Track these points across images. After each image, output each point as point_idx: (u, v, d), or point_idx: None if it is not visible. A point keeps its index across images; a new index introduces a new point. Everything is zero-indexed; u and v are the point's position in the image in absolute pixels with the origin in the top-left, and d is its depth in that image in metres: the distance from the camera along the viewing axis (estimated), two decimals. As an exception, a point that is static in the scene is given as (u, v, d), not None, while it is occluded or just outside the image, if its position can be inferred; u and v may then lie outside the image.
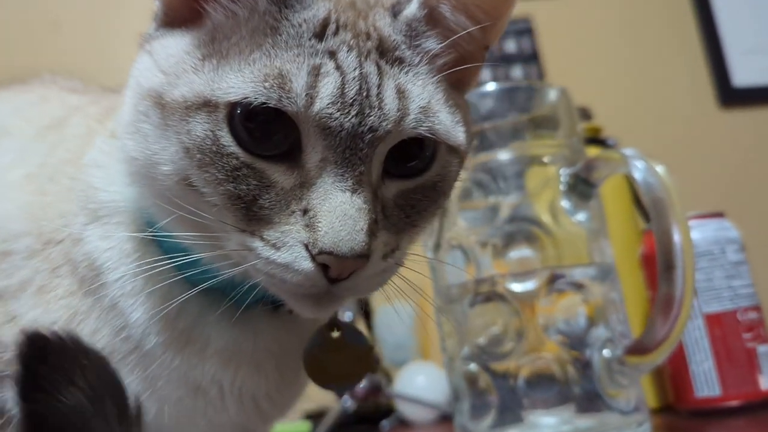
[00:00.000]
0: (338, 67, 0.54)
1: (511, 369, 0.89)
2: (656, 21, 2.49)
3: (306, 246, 0.52)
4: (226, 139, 0.53)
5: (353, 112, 0.53)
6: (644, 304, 1.12)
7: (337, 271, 0.53)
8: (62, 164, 0.64)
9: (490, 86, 0.94)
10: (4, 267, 0.59)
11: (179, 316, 0.61)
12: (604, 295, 0.91)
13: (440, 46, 0.59)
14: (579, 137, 0.94)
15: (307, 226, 0.52)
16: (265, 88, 0.52)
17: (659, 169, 0.82)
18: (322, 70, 0.53)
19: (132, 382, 0.59)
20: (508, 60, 2.40)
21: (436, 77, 0.59)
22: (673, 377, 1.07)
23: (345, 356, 0.66)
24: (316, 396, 1.60)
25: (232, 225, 0.54)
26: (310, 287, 0.54)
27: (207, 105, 0.54)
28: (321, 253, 0.52)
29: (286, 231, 0.53)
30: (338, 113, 0.53)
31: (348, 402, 1.48)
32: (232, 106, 0.53)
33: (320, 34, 0.55)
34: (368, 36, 0.56)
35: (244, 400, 0.63)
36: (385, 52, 0.57)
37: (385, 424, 1.47)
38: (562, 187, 0.90)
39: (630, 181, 1.03)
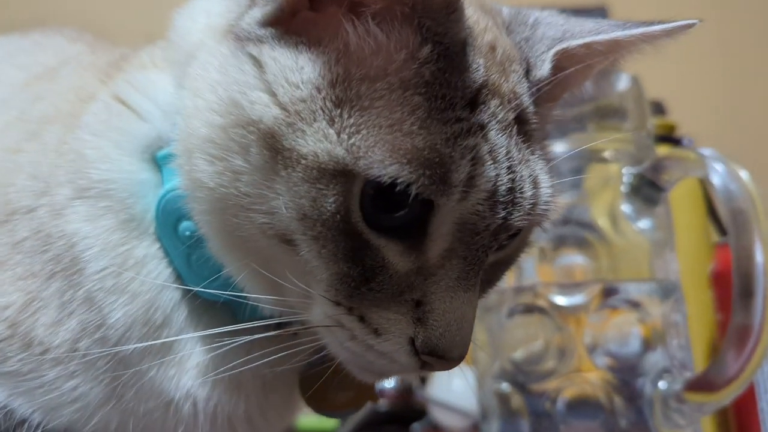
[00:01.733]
0: (492, 155, 0.47)
1: (549, 391, 0.79)
2: (743, 9, 2.29)
3: (411, 340, 0.48)
4: (356, 215, 0.46)
5: (502, 213, 0.48)
6: (711, 328, 0.99)
7: (436, 370, 0.50)
8: (46, 121, 0.55)
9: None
10: None
11: (165, 324, 0.52)
12: (664, 316, 0.79)
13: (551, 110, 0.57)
14: (649, 133, 0.82)
15: (419, 320, 0.47)
16: (424, 176, 0.45)
17: (743, 174, 0.70)
18: (477, 156, 0.46)
19: (95, 388, 0.51)
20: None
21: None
22: (737, 415, 0.94)
23: (345, 382, 0.55)
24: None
25: (328, 298, 0.48)
26: (393, 372, 0.51)
27: (345, 175, 0.45)
28: (430, 354, 0.47)
29: (393, 320, 0.48)
30: (489, 212, 0.47)
31: (377, 401, 1.40)
32: (372, 182, 0.45)
33: (473, 103, 0.47)
34: (509, 102, 0.50)
35: (218, 421, 0.54)
36: (522, 124, 0.51)
37: (416, 427, 1.39)
38: (624, 189, 0.78)
39: (706, 186, 0.90)
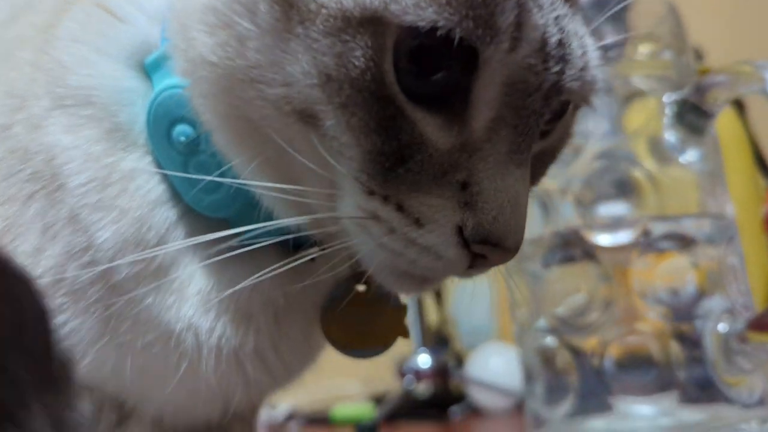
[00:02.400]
0: (537, 3, 0.42)
1: (597, 345, 0.74)
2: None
3: (459, 229, 0.41)
4: (390, 76, 0.40)
5: (555, 68, 0.42)
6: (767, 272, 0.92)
7: (492, 264, 0.44)
8: (21, 41, 0.51)
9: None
10: None
11: (161, 244, 0.47)
12: (719, 258, 0.72)
13: None
14: (688, 56, 0.76)
15: (467, 204, 0.41)
16: (467, 17, 0.39)
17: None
18: (525, 5, 0.41)
19: (86, 322, 0.46)
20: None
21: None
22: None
23: (372, 315, 0.51)
24: (380, 377, 1.48)
25: (361, 182, 0.42)
26: (442, 273, 0.44)
27: (377, 23, 0.40)
28: (482, 242, 0.41)
29: (437, 205, 0.41)
30: (541, 66, 0.42)
31: (412, 384, 1.35)
32: (407, 31, 0.40)
33: None
34: None
35: (224, 354, 0.48)
36: None
37: (454, 410, 1.33)
38: (666, 119, 0.71)
39: (751, 132, 0.83)
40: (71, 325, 0.46)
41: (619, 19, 0.77)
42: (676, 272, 0.73)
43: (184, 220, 0.48)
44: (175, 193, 0.48)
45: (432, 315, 1.58)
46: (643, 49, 0.76)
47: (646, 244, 0.71)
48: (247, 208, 0.47)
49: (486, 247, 0.41)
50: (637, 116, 0.77)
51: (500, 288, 1.02)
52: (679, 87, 0.72)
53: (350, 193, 0.42)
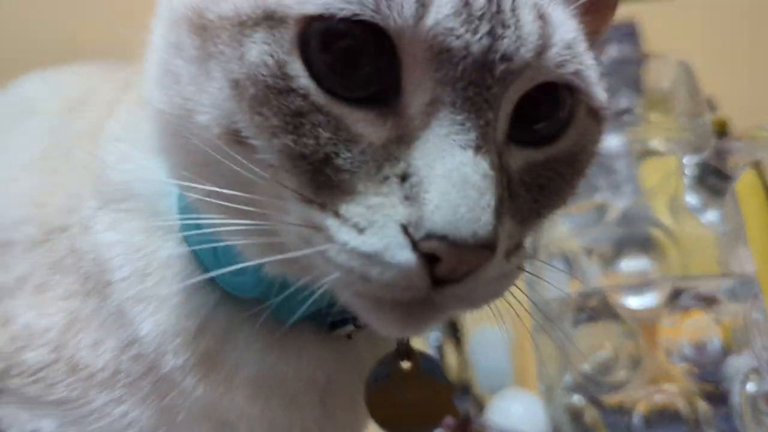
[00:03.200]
0: None
1: (625, 403, 0.74)
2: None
3: (405, 228, 0.37)
4: (295, 67, 0.39)
5: (483, 29, 0.38)
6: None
7: (450, 266, 0.37)
8: (79, 137, 0.54)
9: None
10: (2, 260, 0.50)
11: (202, 332, 0.48)
12: (745, 314, 0.73)
13: None
14: (705, 119, 0.78)
15: (408, 198, 0.37)
16: None
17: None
18: None
19: (144, 413, 0.47)
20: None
21: (574, 13, 0.44)
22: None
23: (418, 394, 0.50)
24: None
25: (292, 191, 0.40)
26: (404, 290, 0.38)
27: (270, 19, 0.39)
28: (428, 237, 0.36)
29: (376, 205, 0.38)
30: (462, 29, 0.38)
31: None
32: (307, 22, 0.38)
33: None
34: None
35: None
36: None
37: (477, 458, 1.33)
38: (687, 180, 0.73)
39: (763, 176, 0.85)
40: (132, 416, 0.47)
41: (634, 81, 0.79)
42: (701, 330, 0.74)
43: (222, 304, 0.48)
44: (212, 278, 0.48)
45: (452, 360, 1.58)
46: (659, 112, 0.78)
47: (672, 304, 0.72)
48: (276, 285, 0.46)
49: (433, 242, 0.36)
50: (653, 174, 0.79)
51: (518, 330, 1.03)
52: (696, 148, 0.74)
53: (290, 205, 0.40)
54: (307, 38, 0.38)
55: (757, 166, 0.84)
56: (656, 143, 0.77)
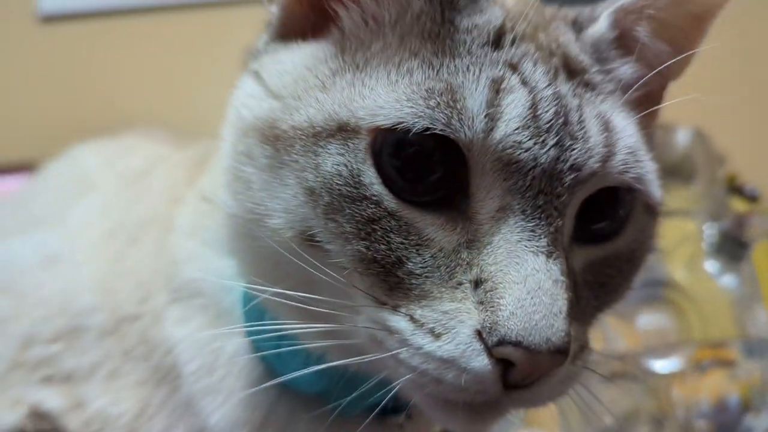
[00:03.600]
0: (525, 82, 0.41)
1: None
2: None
3: (479, 334, 0.37)
4: (369, 175, 0.40)
5: (551, 142, 0.39)
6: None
7: (524, 372, 0.38)
8: (144, 224, 0.56)
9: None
10: (76, 345, 0.51)
11: (265, 423, 0.49)
12: (761, 373, 0.76)
13: (636, 76, 0.46)
14: (721, 186, 0.81)
15: (482, 303, 0.38)
16: (429, 107, 0.39)
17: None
18: (504, 85, 0.40)
19: None
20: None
21: (633, 114, 0.45)
22: None
23: None
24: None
25: (365, 292, 0.40)
26: (476, 394, 0.39)
27: (343, 130, 0.41)
28: (503, 342, 0.37)
29: (451, 311, 0.38)
30: (530, 141, 0.39)
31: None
32: (380, 133, 0.40)
33: (496, 43, 0.42)
34: (551, 52, 0.44)
35: None
36: (573, 73, 0.44)
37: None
38: (706, 247, 0.77)
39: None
40: None
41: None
42: (720, 388, 0.77)
43: (285, 397, 0.49)
44: (274, 370, 0.50)
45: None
46: (676, 179, 0.81)
47: (694, 367, 0.75)
48: (337, 380, 0.46)
49: (508, 348, 0.36)
50: (669, 235, 0.82)
51: None
52: (714, 216, 0.78)
53: (363, 306, 0.41)
54: (379, 148, 0.40)
55: None
56: (674, 208, 0.80)
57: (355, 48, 0.44)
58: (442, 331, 0.38)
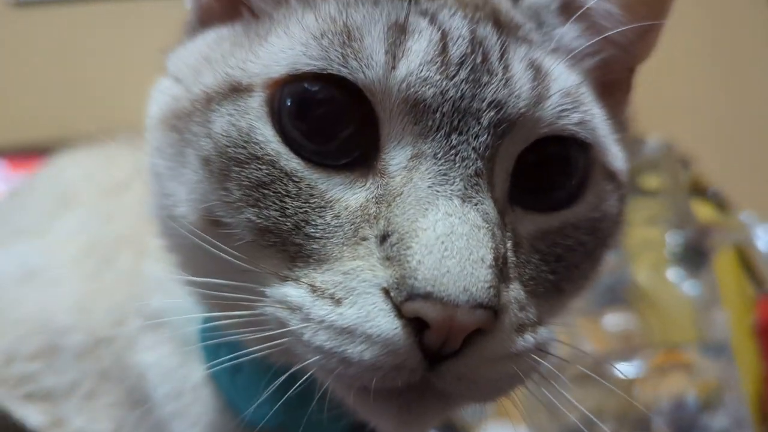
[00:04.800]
0: (435, 23, 0.38)
1: None
2: (749, 50, 2.34)
3: (387, 293, 0.33)
4: (264, 133, 0.37)
5: (462, 75, 0.36)
6: (757, 379, 1.00)
7: (440, 332, 0.32)
8: (120, 242, 0.56)
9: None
10: (54, 364, 0.52)
11: None
12: (717, 375, 0.81)
13: (584, 44, 0.42)
14: (685, 195, 0.85)
15: (388, 258, 0.33)
16: (322, 47, 0.36)
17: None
18: (411, 27, 0.37)
19: None
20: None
21: (583, 73, 0.42)
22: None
23: None
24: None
25: (267, 271, 0.36)
26: (395, 372, 0.33)
27: (236, 91, 0.38)
28: (411, 297, 0.32)
29: (353, 270, 0.34)
30: (437, 76, 0.36)
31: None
32: (277, 90, 0.37)
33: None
34: (477, 7, 0.41)
35: None
36: (502, 27, 0.40)
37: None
38: (669, 255, 0.80)
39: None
40: None
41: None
42: (678, 388, 0.81)
43: (248, 427, 0.47)
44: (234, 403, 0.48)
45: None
46: (642, 188, 0.85)
47: (655, 368, 0.79)
48: (295, 410, 0.42)
49: (417, 302, 0.31)
50: (636, 239, 0.86)
51: None
52: (677, 225, 0.82)
53: (269, 286, 0.37)
54: (279, 105, 0.37)
55: (738, 247, 0.93)
56: (640, 221, 0.84)
57: (261, 22, 0.42)
58: (343, 296, 0.34)
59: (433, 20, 0.38)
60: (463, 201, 0.34)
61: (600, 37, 0.43)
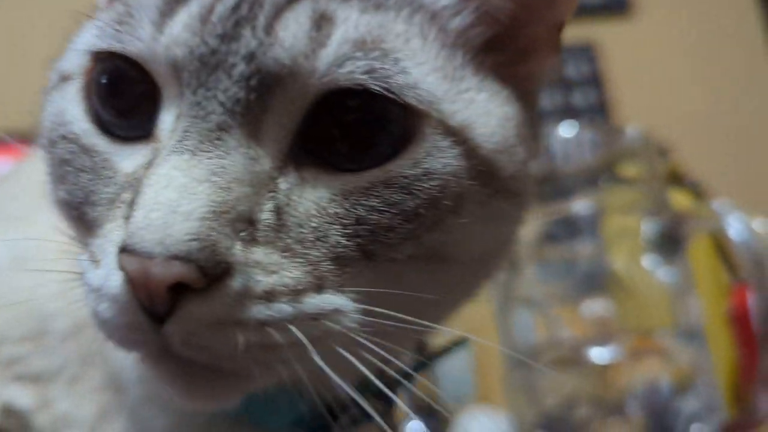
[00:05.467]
0: None
1: None
2: (728, 43, 2.37)
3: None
4: (73, 113, 0.39)
5: (215, 32, 0.35)
6: (731, 365, 1.02)
7: (139, 286, 0.32)
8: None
9: (562, 131, 0.88)
10: (43, 346, 0.53)
11: None
12: (690, 360, 0.83)
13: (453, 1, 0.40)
14: (662, 184, 0.87)
15: (126, 218, 0.34)
16: (105, 27, 0.38)
17: (759, 223, 0.74)
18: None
19: None
20: (567, 85, 2.31)
21: (440, 42, 0.39)
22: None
23: None
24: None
25: (78, 242, 0.40)
26: (130, 331, 0.34)
27: (63, 79, 0.41)
28: (121, 251, 0.32)
29: (107, 232, 0.35)
30: (191, 35, 0.35)
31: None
32: (86, 73, 0.39)
33: None
34: None
35: None
36: None
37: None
38: (644, 243, 0.82)
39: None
40: None
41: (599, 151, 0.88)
42: (653, 373, 0.83)
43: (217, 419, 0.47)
44: None
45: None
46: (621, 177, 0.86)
47: (630, 354, 0.81)
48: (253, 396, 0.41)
49: (121, 257, 0.32)
50: (614, 227, 0.87)
51: (480, 346, 1.11)
52: (654, 213, 0.83)
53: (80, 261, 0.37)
54: (89, 87, 0.39)
55: (713, 235, 0.95)
56: (617, 208, 0.85)
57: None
58: (100, 257, 0.34)
59: None
60: (194, 155, 0.33)
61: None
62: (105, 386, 0.52)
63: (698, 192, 1.08)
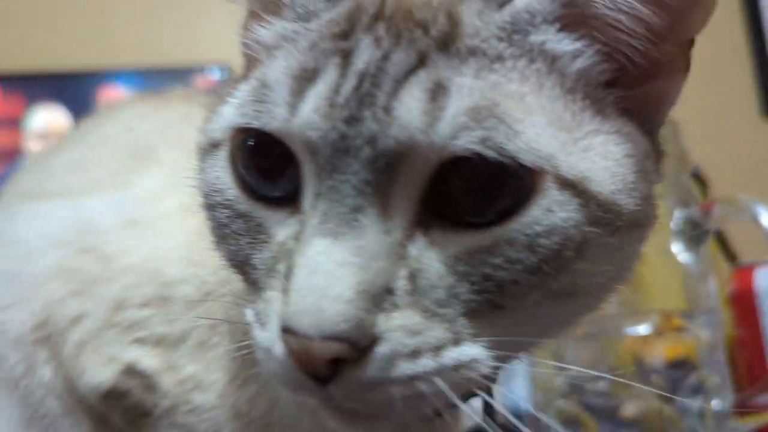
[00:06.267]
0: (344, 63, 0.38)
1: (608, 408, 0.88)
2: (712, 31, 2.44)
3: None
4: (224, 179, 0.43)
5: (342, 115, 0.37)
6: (732, 343, 1.10)
7: (301, 359, 0.36)
8: (170, 217, 0.58)
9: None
10: (164, 312, 0.55)
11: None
12: (707, 338, 0.90)
13: (577, 46, 0.40)
14: (688, 174, 0.92)
15: (285, 291, 0.38)
16: (244, 109, 0.41)
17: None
18: (322, 71, 0.39)
19: None
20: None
21: (558, 88, 0.40)
22: None
23: None
24: None
25: (241, 294, 0.45)
26: (297, 388, 0.39)
27: (214, 146, 0.45)
28: (284, 330, 0.37)
29: (269, 299, 0.39)
30: (321, 118, 0.37)
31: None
32: (233, 141, 0.43)
33: (346, 33, 0.40)
34: (424, 26, 0.39)
35: None
36: (448, 42, 0.39)
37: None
38: (674, 230, 0.88)
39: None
40: None
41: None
42: (673, 350, 0.90)
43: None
44: None
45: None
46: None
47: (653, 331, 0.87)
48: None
49: (287, 336, 0.37)
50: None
51: None
52: (682, 203, 0.89)
53: (245, 306, 0.44)
54: (233, 155, 0.43)
55: (718, 233, 1.02)
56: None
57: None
58: (265, 321, 0.39)
59: (346, 56, 0.39)
60: (335, 239, 0.37)
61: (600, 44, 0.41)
62: (233, 357, 0.54)
63: (702, 181, 1.15)
